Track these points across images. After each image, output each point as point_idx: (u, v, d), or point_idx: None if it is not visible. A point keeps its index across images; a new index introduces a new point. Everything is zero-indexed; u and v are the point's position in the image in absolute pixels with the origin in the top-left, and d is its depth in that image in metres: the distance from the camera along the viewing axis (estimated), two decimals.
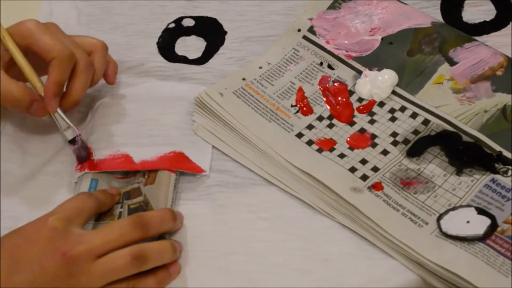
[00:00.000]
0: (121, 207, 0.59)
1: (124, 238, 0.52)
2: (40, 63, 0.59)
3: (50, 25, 0.61)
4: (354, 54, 0.68)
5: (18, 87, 0.58)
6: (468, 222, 0.54)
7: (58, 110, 0.60)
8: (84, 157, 0.61)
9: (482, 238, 0.52)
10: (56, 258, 0.50)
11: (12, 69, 0.59)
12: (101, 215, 0.59)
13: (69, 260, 0.50)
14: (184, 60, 0.72)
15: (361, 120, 0.63)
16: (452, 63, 0.64)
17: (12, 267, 0.50)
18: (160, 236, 0.55)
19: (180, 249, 0.56)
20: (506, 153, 0.57)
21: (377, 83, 0.64)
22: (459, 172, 0.57)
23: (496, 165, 0.57)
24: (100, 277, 0.51)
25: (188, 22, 0.75)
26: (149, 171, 0.61)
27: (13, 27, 0.59)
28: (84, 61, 0.60)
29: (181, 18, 0.76)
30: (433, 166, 0.58)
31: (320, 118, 0.64)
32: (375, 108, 0.64)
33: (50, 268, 0.50)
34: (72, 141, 0.61)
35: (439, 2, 0.73)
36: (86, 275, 0.50)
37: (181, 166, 0.61)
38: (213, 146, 0.63)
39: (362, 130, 0.62)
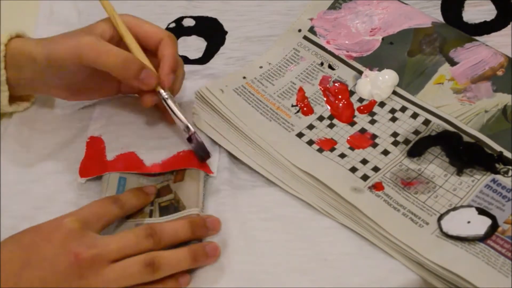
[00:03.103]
0: (152, 205, 0.58)
1: (139, 246, 0.52)
2: (104, 81, 0.61)
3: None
4: (354, 54, 0.68)
5: (128, 53, 0.58)
6: (468, 222, 0.54)
7: (172, 103, 0.59)
8: (203, 156, 0.60)
9: (483, 239, 0.52)
10: (68, 259, 0.49)
11: None
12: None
13: (81, 262, 0.49)
14: (184, 60, 0.72)
15: (362, 120, 0.63)
16: (452, 63, 0.64)
17: (25, 263, 0.50)
18: (187, 242, 0.54)
19: (212, 253, 0.54)
20: (506, 153, 0.57)
21: (378, 83, 0.64)
22: (459, 172, 0.57)
23: (497, 165, 0.57)
24: (111, 282, 0.50)
25: (188, 22, 0.75)
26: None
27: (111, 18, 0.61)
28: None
29: (181, 18, 0.76)
30: (434, 166, 0.58)
31: (321, 118, 0.64)
32: (376, 108, 0.64)
33: (61, 268, 0.49)
34: (189, 139, 0.60)
35: (440, 2, 0.73)
36: (97, 278, 0.50)
37: (191, 165, 0.60)
38: (220, 148, 0.63)
39: (362, 130, 0.62)
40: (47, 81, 0.60)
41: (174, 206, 0.58)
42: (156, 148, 0.62)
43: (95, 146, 0.63)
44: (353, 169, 0.59)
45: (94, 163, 0.61)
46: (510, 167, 0.57)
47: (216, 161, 0.62)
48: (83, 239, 0.51)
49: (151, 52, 0.61)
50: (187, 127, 0.59)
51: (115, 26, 0.60)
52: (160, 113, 0.64)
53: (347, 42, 0.69)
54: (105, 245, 0.51)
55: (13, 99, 0.64)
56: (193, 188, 0.58)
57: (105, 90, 0.64)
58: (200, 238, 0.56)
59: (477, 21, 0.71)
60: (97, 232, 0.53)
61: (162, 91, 0.59)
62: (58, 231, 0.51)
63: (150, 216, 0.57)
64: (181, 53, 0.72)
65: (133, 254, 0.51)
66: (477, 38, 0.67)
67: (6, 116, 0.65)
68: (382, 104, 0.64)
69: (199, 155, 0.60)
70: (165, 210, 0.58)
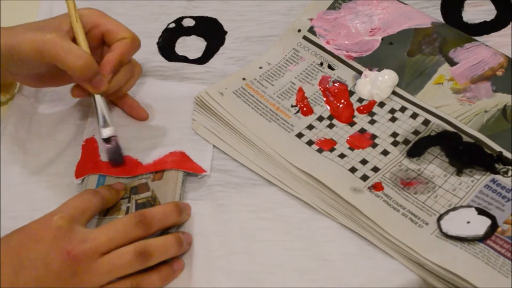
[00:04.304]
0: (129, 201, 0.59)
1: (128, 235, 0.52)
2: (56, 74, 0.60)
3: None
4: (354, 55, 0.68)
5: (88, 56, 0.58)
6: (468, 222, 0.54)
7: (102, 99, 0.60)
8: (116, 161, 0.61)
9: (483, 239, 0.52)
10: (61, 257, 0.50)
11: None
12: (108, 210, 0.59)
13: (74, 259, 0.50)
14: (184, 60, 0.72)
15: (361, 121, 0.63)
16: (452, 63, 0.64)
17: (17, 266, 0.50)
18: (166, 230, 0.55)
19: (189, 241, 0.56)
20: (506, 154, 0.57)
21: (377, 84, 0.64)
22: (459, 173, 0.57)
23: (496, 165, 0.57)
24: (105, 274, 0.51)
25: (188, 22, 0.75)
26: None
27: (82, 9, 0.61)
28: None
29: (181, 18, 0.76)
30: (433, 167, 0.58)
31: (320, 118, 0.64)
32: (375, 109, 0.64)
33: (55, 266, 0.50)
34: (107, 140, 0.60)
35: (439, 2, 0.73)
36: (91, 273, 0.50)
37: (183, 166, 0.61)
38: (214, 146, 0.63)
39: (362, 131, 0.62)
40: (11, 69, 0.61)
41: (150, 204, 0.58)
42: (148, 148, 0.63)
43: (89, 147, 0.63)
44: (353, 169, 0.59)
45: (87, 163, 0.62)
46: (509, 167, 0.57)
47: (209, 159, 0.62)
48: (73, 235, 0.51)
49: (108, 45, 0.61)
50: (109, 125, 0.59)
51: (71, 24, 0.60)
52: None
53: (346, 42, 0.69)
54: (95, 239, 0.51)
55: None
56: (171, 187, 0.59)
57: (67, 78, 0.63)
58: (181, 223, 0.57)
59: (477, 21, 0.71)
60: (83, 226, 0.53)
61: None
62: (46, 230, 0.51)
63: (127, 212, 0.58)
64: (181, 53, 0.72)
65: (124, 244, 0.52)
66: (477, 38, 0.67)
67: None
68: (381, 104, 0.64)
69: (112, 159, 0.61)
70: (141, 207, 0.58)
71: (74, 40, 0.60)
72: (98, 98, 0.60)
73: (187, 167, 0.61)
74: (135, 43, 0.61)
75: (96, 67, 0.58)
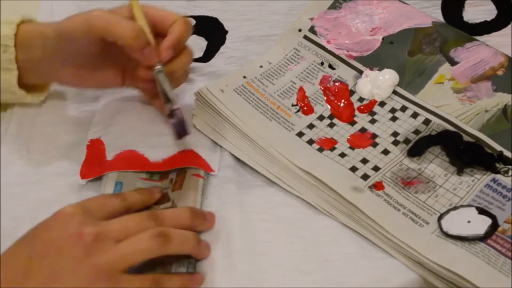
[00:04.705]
0: None
1: (142, 226, 0.51)
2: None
3: None
4: (355, 54, 0.68)
5: (138, 24, 0.58)
6: (469, 222, 0.54)
7: (164, 77, 0.59)
8: (181, 133, 0.60)
9: (483, 238, 0.52)
10: (73, 239, 0.48)
11: None
12: None
13: (87, 239, 0.48)
14: None
15: (362, 120, 0.63)
16: (452, 63, 0.64)
17: (31, 254, 0.49)
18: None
19: (207, 246, 0.55)
20: (506, 153, 0.57)
21: (378, 83, 0.64)
22: (460, 172, 0.57)
23: (497, 165, 0.57)
24: (123, 257, 0.49)
25: None
26: (176, 176, 0.60)
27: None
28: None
29: None
30: (434, 166, 0.58)
31: (321, 118, 0.64)
32: (376, 108, 0.64)
33: (67, 250, 0.48)
34: (171, 114, 0.60)
35: (440, 2, 0.73)
36: (108, 254, 0.49)
37: (192, 163, 0.60)
38: (221, 147, 0.63)
39: (363, 130, 0.62)
40: (55, 60, 0.61)
41: None
42: (157, 146, 0.62)
43: (95, 148, 0.63)
44: (353, 169, 0.59)
45: (94, 164, 0.61)
46: (510, 167, 0.57)
47: (217, 159, 0.62)
48: (85, 221, 0.50)
49: (165, 36, 0.61)
50: (171, 100, 0.59)
51: (129, 9, 0.60)
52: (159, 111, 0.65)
53: (347, 41, 0.69)
54: (107, 225, 0.50)
55: (25, 88, 0.64)
56: (191, 197, 0.58)
57: (110, 79, 0.64)
58: (196, 230, 0.55)
59: (477, 21, 0.71)
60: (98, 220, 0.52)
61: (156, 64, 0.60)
62: (58, 219, 0.50)
63: None
64: None
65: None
66: (477, 37, 0.67)
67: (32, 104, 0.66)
68: (382, 104, 0.64)
69: (177, 131, 0.60)
70: None
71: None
72: (161, 75, 0.59)
73: (196, 164, 0.60)
74: (188, 24, 0.61)
75: (146, 37, 0.58)
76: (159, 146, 0.62)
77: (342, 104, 0.65)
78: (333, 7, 0.72)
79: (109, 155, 0.62)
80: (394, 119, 0.63)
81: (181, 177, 0.60)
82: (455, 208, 0.55)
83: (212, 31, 0.74)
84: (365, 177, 0.58)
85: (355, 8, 0.71)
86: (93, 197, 0.55)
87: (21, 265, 0.49)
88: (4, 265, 0.49)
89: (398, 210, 0.55)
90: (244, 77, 0.67)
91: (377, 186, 0.57)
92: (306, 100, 0.65)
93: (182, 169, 0.61)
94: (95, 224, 0.50)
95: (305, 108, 0.65)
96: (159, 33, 0.61)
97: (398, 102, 0.64)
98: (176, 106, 0.59)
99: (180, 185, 0.59)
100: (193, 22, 0.75)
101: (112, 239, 0.49)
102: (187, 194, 0.58)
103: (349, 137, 0.62)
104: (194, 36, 0.74)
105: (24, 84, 0.63)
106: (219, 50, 0.73)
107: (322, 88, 0.66)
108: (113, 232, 0.50)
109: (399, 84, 0.65)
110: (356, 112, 0.64)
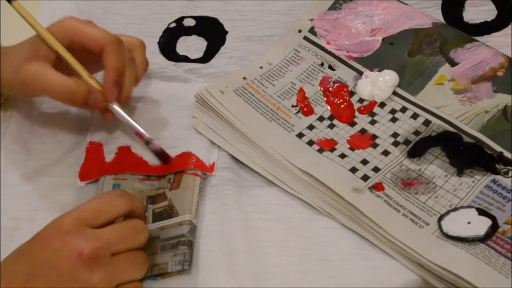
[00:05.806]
0: (146, 211, 0.58)
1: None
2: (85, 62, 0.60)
3: (88, 21, 0.61)
4: (354, 55, 0.68)
5: (73, 80, 0.58)
6: (469, 223, 0.54)
7: (119, 108, 0.59)
8: (164, 160, 0.61)
9: (483, 239, 0.52)
10: (72, 259, 0.48)
11: (58, 68, 0.59)
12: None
13: (87, 259, 0.48)
14: (185, 59, 0.72)
15: (362, 121, 0.63)
16: (453, 63, 0.64)
17: (29, 274, 0.49)
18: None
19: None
20: (507, 154, 0.57)
21: (378, 84, 0.64)
22: (460, 173, 0.57)
23: (497, 165, 0.57)
24: (120, 272, 0.50)
25: (189, 22, 0.75)
26: (174, 176, 0.60)
27: (53, 26, 0.59)
28: (128, 57, 0.60)
29: (182, 18, 0.76)
30: (434, 167, 0.58)
31: (321, 119, 0.64)
32: (376, 109, 0.64)
33: (67, 270, 0.48)
34: (147, 143, 0.60)
35: (440, 2, 0.73)
36: (106, 269, 0.49)
37: (191, 165, 0.60)
38: (219, 147, 0.63)
39: (363, 131, 0.62)
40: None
41: (167, 212, 0.57)
42: None
43: (94, 150, 0.63)
44: (353, 170, 0.59)
45: (93, 167, 0.61)
46: (510, 168, 0.57)
47: (214, 160, 0.62)
48: (83, 237, 0.49)
49: (98, 56, 0.59)
50: (141, 134, 0.59)
51: (51, 47, 0.59)
52: None
53: (347, 42, 0.69)
54: (104, 237, 0.50)
55: None
56: (188, 195, 0.58)
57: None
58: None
59: (477, 21, 0.71)
60: (94, 228, 0.51)
61: (110, 105, 0.59)
62: (55, 235, 0.50)
63: (146, 223, 0.57)
64: (181, 53, 0.72)
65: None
66: (477, 38, 0.67)
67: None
68: (382, 105, 0.64)
69: (160, 159, 0.61)
70: (158, 216, 0.57)
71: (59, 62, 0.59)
72: (116, 109, 0.59)
73: (195, 166, 0.60)
74: (121, 48, 0.59)
75: (84, 89, 0.57)
76: None
77: (342, 105, 0.65)
78: (333, 8, 0.72)
79: (108, 157, 0.62)
80: (394, 120, 0.63)
81: (179, 176, 0.60)
82: (455, 209, 0.55)
83: (212, 31, 0.74)
84: (365, 178, 0.58)
85: (355, 9, 0.71)
86: (94, 200, 0.53)
87: (19, 284, 0.48)
88: (4, 281, 0.48)
89: (398, 211, 0.55)
90: (244, 78, 0.67)
91: (377, 187, 0.57)
92: (306, 101, 0.65)
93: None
94: (93, 239, 0.49)
95: (305, 109, 0.65)
96: (92, 54, 0.59)
97: (398, 103, 0.64)
98: (146, 137, 0.59)
99: (178, 184, 0.60)
100: (193, 22, 0.75)
101: (110, 252, 0.50)
102: (183, 193, 0.59)
103: (349, 138, 0.62)
104: (194, 36, 0.74)
105: None
106: (219, 51, 0.73)
107: (322, 89, 0.66)
108: (109, 245, 0.50)
109: (399, 85, 0.65)
110: (356, 113, 0.64)
